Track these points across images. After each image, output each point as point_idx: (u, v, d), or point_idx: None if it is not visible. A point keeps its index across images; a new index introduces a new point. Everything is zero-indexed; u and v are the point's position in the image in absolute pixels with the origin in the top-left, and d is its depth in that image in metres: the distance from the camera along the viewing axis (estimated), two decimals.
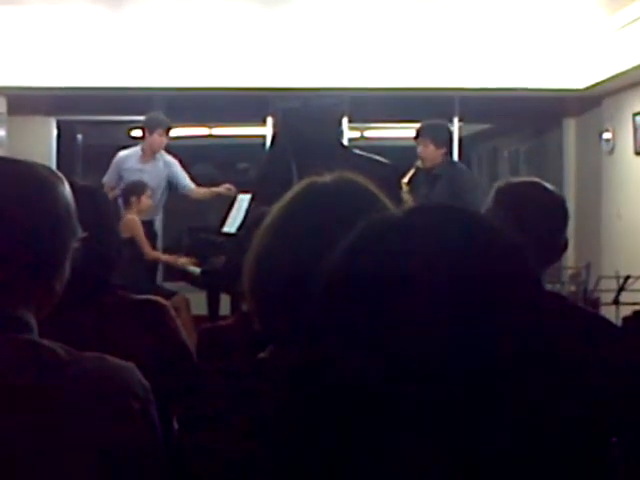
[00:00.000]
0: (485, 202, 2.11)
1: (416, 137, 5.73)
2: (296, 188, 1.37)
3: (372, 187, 1.37)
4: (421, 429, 0.89)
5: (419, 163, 5.72)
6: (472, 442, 0.89)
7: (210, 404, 1.35)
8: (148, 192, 6.77)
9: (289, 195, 1.36)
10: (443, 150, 5.68)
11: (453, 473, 0.89)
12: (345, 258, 0.95)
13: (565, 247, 2.09)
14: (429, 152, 5.63)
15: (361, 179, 1.38)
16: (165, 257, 7.21)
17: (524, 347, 0.91)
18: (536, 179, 2.17)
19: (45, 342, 1.22)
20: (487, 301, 0.90)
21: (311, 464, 0.95)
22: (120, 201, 6.68)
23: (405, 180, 5.68)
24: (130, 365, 1.25)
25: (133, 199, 6.64)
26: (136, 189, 6.71)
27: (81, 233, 1.33)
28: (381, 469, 0.90)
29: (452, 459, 0.89)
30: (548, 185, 2.13)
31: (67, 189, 1.31)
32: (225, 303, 6.44)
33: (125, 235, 6.44)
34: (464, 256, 0.91)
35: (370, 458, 0.90)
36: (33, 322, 1.25)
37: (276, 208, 1.36)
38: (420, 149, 5.66)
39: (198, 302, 6.64)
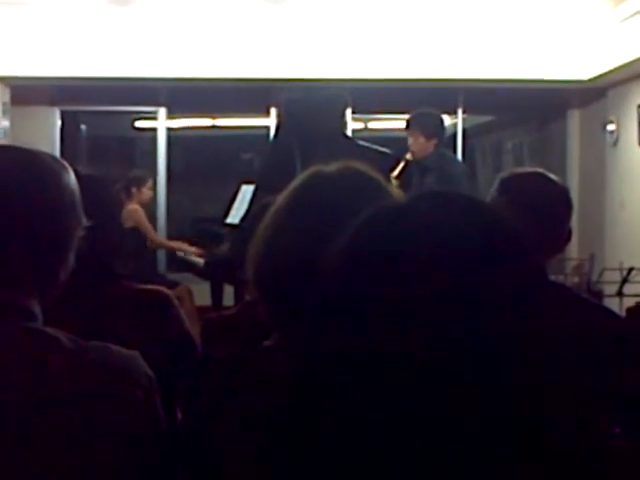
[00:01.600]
0: (489, 193, 2.11)
1: (406, 128, 5.46)
2: (301, 177, 1.37)
3: (377, 176, 1.37)
4: (421, 414, 0.89)
5: (408, 156, 5.44)
6: (473, 431, 0.89)
7: (214, 394, 1.35)
8: (149, 183, 6.90)
9: (294, 184, 1.36)
10: (434, 141, 5.36)
11: (454, 468, 0.89)
12: (350, 244, 0.95)
13: (569, 238, 2.09)
14: (419, 144, 5.35)
15: (366, 168, 1.37)
16: (171, 244, 7.34)
17: (528, 332, 0.91)
18: (540, 170, 2.16)
19: (49, 330, 1.22)
20: (492, 285, 0.90)
21: (315, 453, 0.95)
22: (123, 195, 6.76)
23: (395, 174, 5.36)
24: (135, 354, 1.25)
25: (134, 190, 6.77)
26: (137, 180, 6.86)
27: (86, 222, 1.33)
28: (385, 463, 0.90)
29: (450, 455, 0.89)
30: (552, 176, 2.12)
31: (73, 178, 1.31)
32: (229, 294, 6.46)
33: (128, 224, 6.53)
34: (468, 241, 0.92)
35: (372, 451, 0.91)
36: (37, 310, 1.24)
37: (281, 197, 1.36)
38: (410, 141, 5.39)
39: (202, 293, 6.66)
